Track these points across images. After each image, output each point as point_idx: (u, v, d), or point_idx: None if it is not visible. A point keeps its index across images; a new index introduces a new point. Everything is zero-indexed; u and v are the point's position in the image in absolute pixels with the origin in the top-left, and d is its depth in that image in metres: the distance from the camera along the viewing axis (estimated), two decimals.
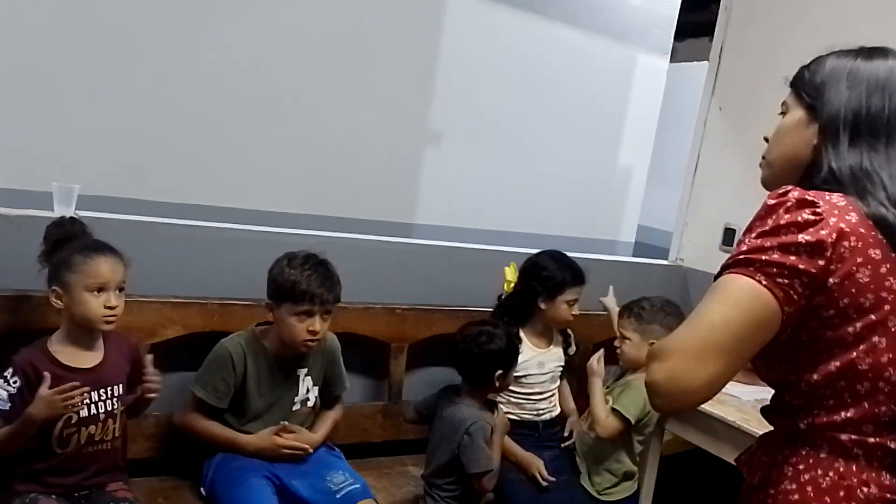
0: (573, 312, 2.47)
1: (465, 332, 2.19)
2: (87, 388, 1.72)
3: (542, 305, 2.46)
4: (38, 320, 1.86)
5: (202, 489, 2.02)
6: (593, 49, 3.14)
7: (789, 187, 1.09)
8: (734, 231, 2.99)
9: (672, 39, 5.01)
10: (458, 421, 2.10)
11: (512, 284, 2.51)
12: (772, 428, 1.21)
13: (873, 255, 1.04)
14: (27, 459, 1.73)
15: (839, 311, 1.03)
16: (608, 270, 2.72)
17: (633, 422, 2.31)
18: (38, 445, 1.71)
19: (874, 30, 2.57)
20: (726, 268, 1.07)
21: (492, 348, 2.13)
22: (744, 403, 2.37)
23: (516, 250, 2.73)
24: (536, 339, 2.52)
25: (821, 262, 1.01)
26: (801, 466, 1.09)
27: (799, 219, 1.03)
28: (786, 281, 1.01)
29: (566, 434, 2.56)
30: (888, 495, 1.06)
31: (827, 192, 1.08)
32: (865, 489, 1.05)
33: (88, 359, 1.77)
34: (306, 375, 2.11)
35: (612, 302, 2.64)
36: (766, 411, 1.21)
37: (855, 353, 1.04)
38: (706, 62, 3.22)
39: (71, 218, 1.81)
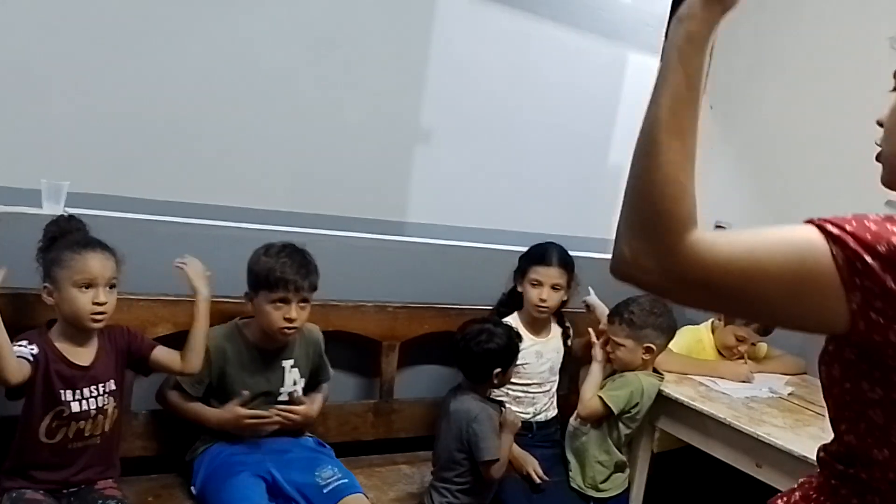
0: (542, 297, 2.45)
1: (465, 330, 2.24)
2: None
3: (519, 289, 2.52)
4: (31, 318, 1.84)
5: (193, 487, 2.02)
6: (584, 47, 3.14)
7: None
8: (724, 229, 2.99)
9: (663, 38, 5.02)
10: (464, 412, 2.15)
11: None
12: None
13: None
14: (15, 454, 1.73)
15: None
16: (598, 268, 2.70)
17: (614, 412, 2.33)
18: (27, 439, 1.71)
19: (864, 27, 2.59)
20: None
21: (490, 347, 2.18)
22: (734, 401, 2.38)
23: (508, 248, 2.73)
24: (532, 329, 2.52)
25: None
26: None
27: None
28: (873, 295, 0.76)
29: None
30: None
31: None
32: None
33: (84, 354, 1.77)
34: (293, 367, 2.12)
35: (595, 300, 2.63)
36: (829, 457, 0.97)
37: None
38: None
39: (69, 216, 1.81)
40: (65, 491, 1.77)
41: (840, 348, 0.89)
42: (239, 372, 2.05)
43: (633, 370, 2.38)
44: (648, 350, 2.36)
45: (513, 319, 2.49)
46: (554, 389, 2.60)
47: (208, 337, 1.98)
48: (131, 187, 2.18)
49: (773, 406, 2.37)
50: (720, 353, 2.77)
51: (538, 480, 2.36)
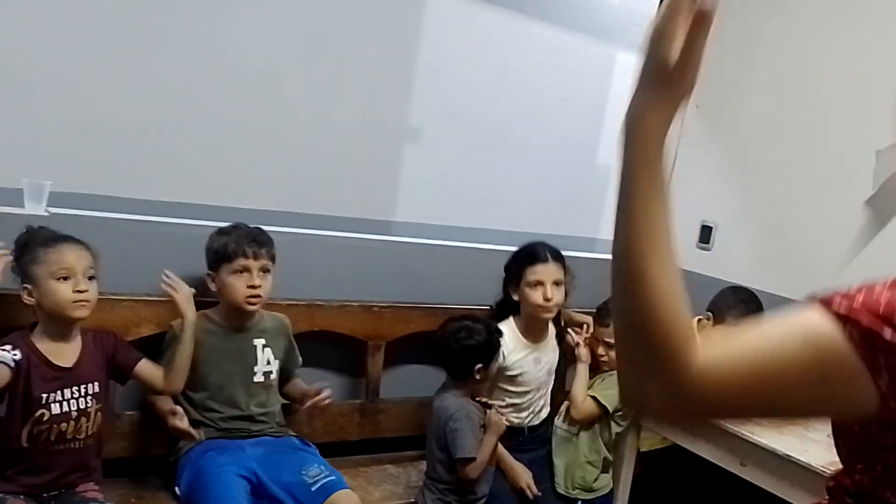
0: (547, 296, 2.34)
1: (445, 328, 2.24)
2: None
3: (515, 297, 2.43)
4: (14, 319, 1.83)
5: (177, 489, 2.01)
6: (573, 46, 3.13)
7: None
8: (710, 228, 3.00)
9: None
10: (444, 410, 2.17)
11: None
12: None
13: None
14: None
15: None
16: (585, 267, 2.71)
17: (609, 410, 2.33)
18: (7, 444, 1.70)
19: (848, 27, 2.59)
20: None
21: (469, 343, 2.19)
22: None
23: (495, 247, 2.72)
24: (529, 335, 2.46)
25: None
26: None
27: None
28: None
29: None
30: None
31: None
32: None
33: (66, 355, 1.77)
34: (265, 346, 2.15)
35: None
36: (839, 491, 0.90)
37: None
38: None
39: (39, 227, 1.80)
40: (45, 494, 1.75)
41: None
42: (212, 353, 2.07)
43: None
44: None
45: (507, 327, 2.41)
46: (549, 388, 2.57)
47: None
48: (115, 187, 2.17)
49: None
50: None
51: (531, 496, 2.34)
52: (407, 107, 2.69)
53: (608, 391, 2.35)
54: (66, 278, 1.70)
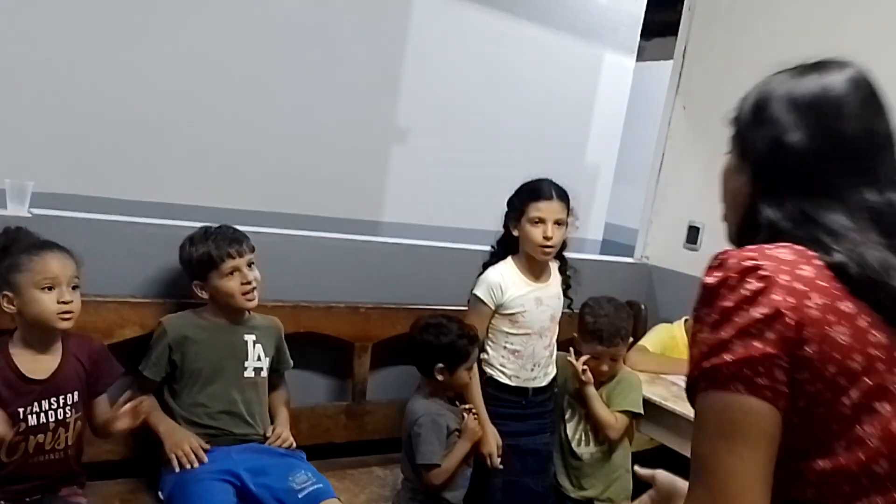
0: (547, 234, 2.24)
1: (418, 321, 2.22)
2: None
3: (515, 232, 2.32)
4: None
5: (160, 493, 1.99)
6: (560, 47, 3.14)
7: (722, 254, 0.93)
8: (698, 229, 3.01)
9: (639, 38, 5.08)
10: (412, 413, 2.15)
11: None
12: None
13: (845, 309, 0.87)
14: None
15: (827, 382, 0.86)
16: (574, 267, 2.71)
17: (642, 412, 2.33)
18: None
19: (836, 29, 2.60)
20: (695, 385, 0.91)
21: (431, 341, 2.13)
22: None
23: (482, 248, 2.71)
24: (530, 273, 2.34)
25: (788, 333, 0.85)
26: None
27: (745, 292, 0.88)
28: (764, 378, 0.85)
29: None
30: None
31: (769, 246, 0.92)
32: None
33: (45, 364, 1.72)
34: (256, 343, 2.14)
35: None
36: None
37: (859, 428, 0.86)
38: (672, 61, 3.24)
39: (16, 227, 1.76)
40: (27, 500, 1.72)
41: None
42: (203, 349, 2.06)
43: (615, 372, 2.39)
44: (626, 346, 2.42)
45: (507, 265, 2.33)
46: (554, 341, 2.42)
47: (164, 319, 2.02)
48: (98, 187, 2.15)
49: None
50: None
51: (490, 465, 2.21)
52: (394, 107, 2.69)
53: (631, 397, 2.34)
54: (50, 288, 1.66)
